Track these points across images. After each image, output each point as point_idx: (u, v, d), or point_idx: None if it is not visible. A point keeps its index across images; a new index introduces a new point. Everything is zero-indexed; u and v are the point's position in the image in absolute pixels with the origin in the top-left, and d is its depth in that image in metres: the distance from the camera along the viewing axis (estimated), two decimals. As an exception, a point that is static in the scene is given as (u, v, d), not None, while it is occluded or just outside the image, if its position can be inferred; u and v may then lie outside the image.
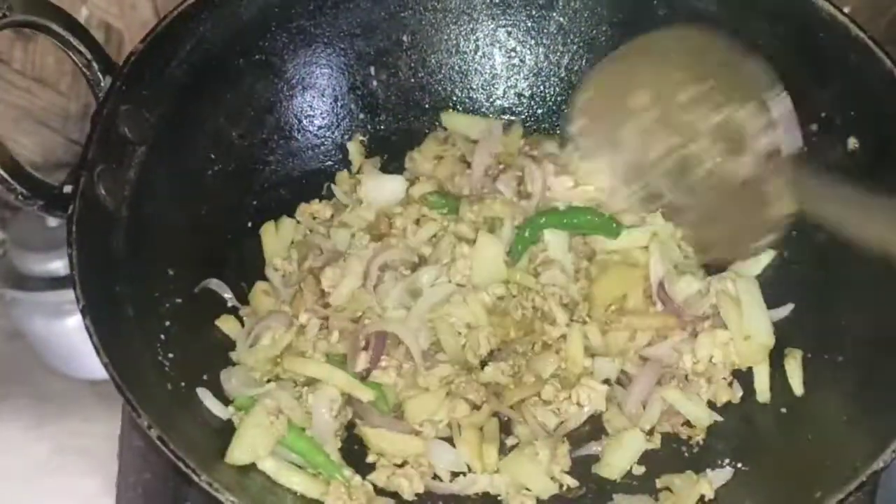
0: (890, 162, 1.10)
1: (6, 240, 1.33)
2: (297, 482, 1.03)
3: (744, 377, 1.18)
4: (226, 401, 1.10)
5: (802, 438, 1.08)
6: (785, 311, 1.19)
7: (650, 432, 1.14)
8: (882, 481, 1.15)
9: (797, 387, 1.13)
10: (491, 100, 1.40)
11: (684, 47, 1.21)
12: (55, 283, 1.29)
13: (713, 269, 1.24)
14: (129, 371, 0.97)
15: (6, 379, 1.43)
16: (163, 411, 0.97)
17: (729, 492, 1.08)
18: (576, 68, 1.36)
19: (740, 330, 1.16)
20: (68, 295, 1.21)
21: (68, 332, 1.33)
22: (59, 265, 1.29)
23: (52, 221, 1.30)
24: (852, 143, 1.15)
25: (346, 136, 1.36)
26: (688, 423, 1.15)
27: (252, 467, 1.03)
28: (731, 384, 1.18)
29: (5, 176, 0.95)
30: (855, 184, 1.10)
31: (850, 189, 1.08)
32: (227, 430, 1.06)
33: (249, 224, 1.28)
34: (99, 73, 1.09)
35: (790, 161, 1.15)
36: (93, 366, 1.30)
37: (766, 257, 1.22)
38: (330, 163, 1.36)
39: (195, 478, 0.92)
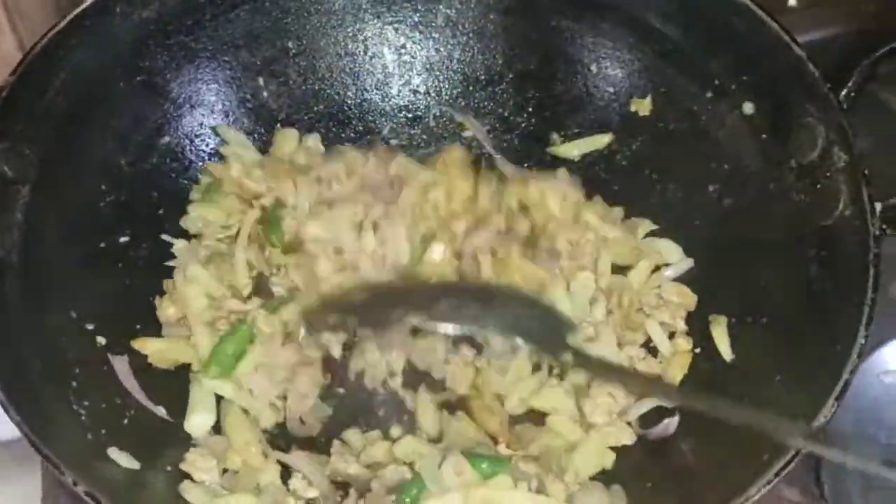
0: (787, 123, 1.12)
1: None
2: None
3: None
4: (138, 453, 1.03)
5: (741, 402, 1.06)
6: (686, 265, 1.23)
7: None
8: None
9: (726, 352, 1.15)
10: (386, 99, 1.37)
11: None
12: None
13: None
14: (44, 427, 0.91)
15: (-77, 444, 1.34)
16: (84, 463, 0.92)
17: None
18: (468, 60, 1.35)
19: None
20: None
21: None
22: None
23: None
24: (748, 107, 1.17)
25: (243, 152, 1.30)
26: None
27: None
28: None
29: None
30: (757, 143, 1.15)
31: None
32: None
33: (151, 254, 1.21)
34: (-30, 113, 1.02)
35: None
36: (5, 427, 1.28)
37: None
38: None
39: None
